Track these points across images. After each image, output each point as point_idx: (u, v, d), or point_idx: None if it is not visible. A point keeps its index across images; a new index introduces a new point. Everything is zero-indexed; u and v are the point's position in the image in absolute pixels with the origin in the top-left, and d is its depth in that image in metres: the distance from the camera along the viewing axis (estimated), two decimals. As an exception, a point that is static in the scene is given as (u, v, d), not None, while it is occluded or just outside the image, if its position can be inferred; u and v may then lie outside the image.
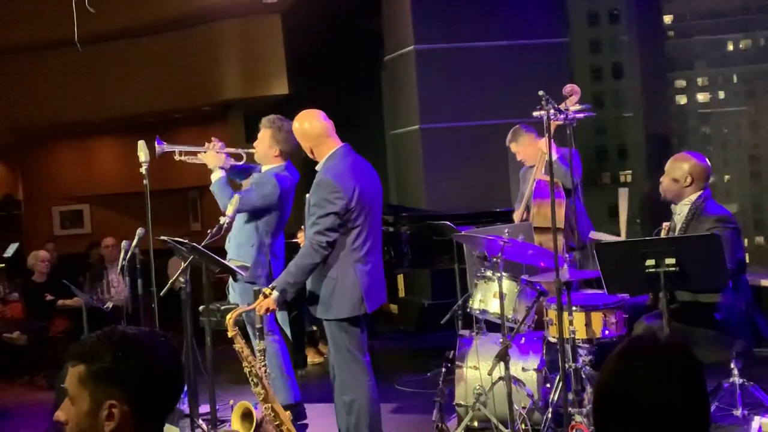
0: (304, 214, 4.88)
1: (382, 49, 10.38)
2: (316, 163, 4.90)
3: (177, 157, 5.87)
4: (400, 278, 9.88)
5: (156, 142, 5.75)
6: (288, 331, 7.24)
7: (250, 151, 5.92)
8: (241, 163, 6.01)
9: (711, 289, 4.73)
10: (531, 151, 6.40)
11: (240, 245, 5.77)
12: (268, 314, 5.27)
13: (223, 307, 7.31)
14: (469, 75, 9.35)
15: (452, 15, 9.41)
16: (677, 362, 1.83)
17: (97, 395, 1.93)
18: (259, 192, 5.66)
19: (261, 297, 4.69)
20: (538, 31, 9.46)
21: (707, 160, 5.14)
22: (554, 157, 5.85)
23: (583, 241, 6.18)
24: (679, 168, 5.03)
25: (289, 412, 4.68)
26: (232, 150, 6.01)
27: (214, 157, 5.79)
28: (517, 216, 6.54)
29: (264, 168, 5.85)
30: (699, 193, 5.00)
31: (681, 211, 5.01)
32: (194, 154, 5.88)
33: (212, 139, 5.91)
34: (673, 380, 1.80)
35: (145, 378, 1.93)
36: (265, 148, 5.75)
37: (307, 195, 4.84)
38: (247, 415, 4.54)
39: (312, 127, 4.86)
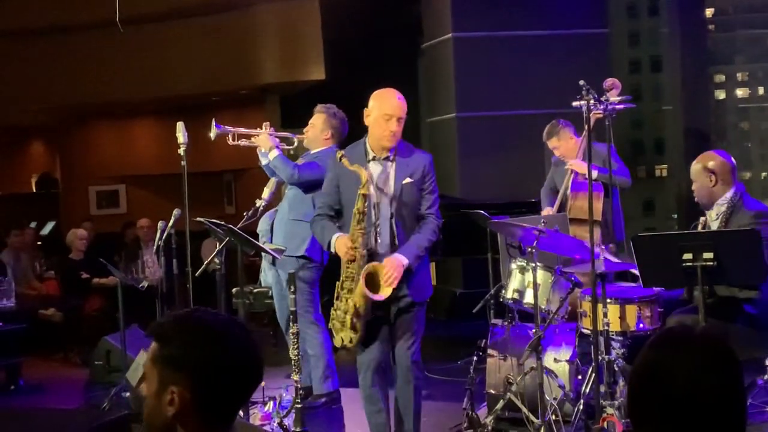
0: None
1: (420, 37, 10.36)
2: None
3: (231, 142, 5.98)
4: (432, 266, 9.87)
5: (214, 125, 5.87)
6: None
7: (300, 136, 6.04)
8: (290, 147, 6.14)
9: (748, 285, 4.68)
10: (572, 145, 6.36)
11: (297, 222, 5.82)
12: (314, 304, 5.34)
13: (255, 290, 7.40)
14: (507, 64, 9.32)
15: (491, 3, 9.38)
16: (712, 352, 1.81)
17: (163, 378, 1.91)
18: (324, 162, 5.76)
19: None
20: (578, 22, 9.41)
21: (729, 155, 5.06)
22: (595, 174, 5.84)
23: (618, 239, 6.16)
24: (699, 171, 4.98)
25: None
26: (283, 134, 6.13)
27: (266, 139, 5.91)
28: (546, 212, 6.53)
29: (314, 151, 5.96)
30: (732, 189, 4.93)
31: (719, 210, 4.94)
32: (248, 137, 5.99)
33: (265, 123, 6.04)
34: (707, 370, 1.78)
35: (211, 368, 1.90)
36: (318, 131, 5.93)
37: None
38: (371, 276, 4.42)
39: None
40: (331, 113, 5.92)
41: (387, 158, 4.56)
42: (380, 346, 4.62)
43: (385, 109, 4.52)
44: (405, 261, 4.43)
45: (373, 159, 4.57)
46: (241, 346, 1.95)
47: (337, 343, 4.61)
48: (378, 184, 4.53)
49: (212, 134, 5.91)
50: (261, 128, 6.02)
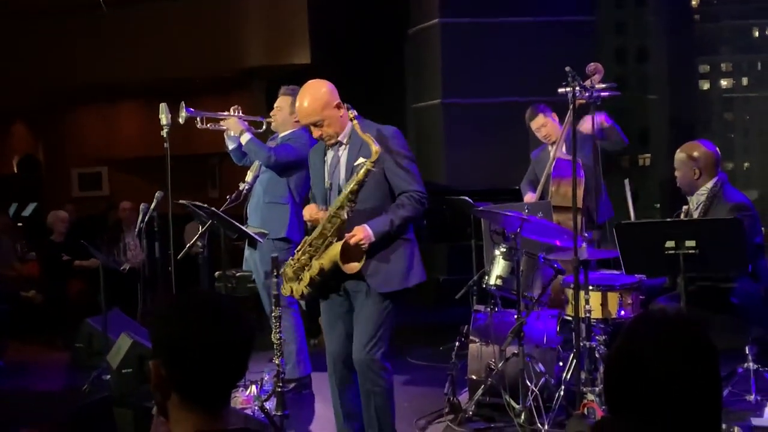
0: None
1: (406, 22, 10.33)
2: None
3: (200, 125, 5.93)
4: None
5: (185, 110, 5.80)
6: (302, 301, 7.27)
7: (269, 119, 6.00)
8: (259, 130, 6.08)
9: (730, 273, 4.70)
10: (556, 125, 6.37)
11: (273, 204, 5.81)
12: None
13: (238, 274, 7.37)
14: (493, 51, 9.30)
15: (479, -11, 9.36)
16: (686, 337, 1.81)
17: (153, 350, 1.97)
18: (298, 144, 5.76)
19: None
20: (565, 9, 9.40)
21: (715, 146, 5.06)
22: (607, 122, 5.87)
23: (600, 221, 6.17)
24: (683, 160, 4.98)
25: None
26: (252, 117, 6.09)
27: (236, 123, 5.85)
28: (527, 200, 6.54)
29: (282, 135, 5.93)
30: (713, 179, 4.94)
31: (698, 200, 4.97)
32: (217, 120, 5.94)
33: (234, 106, 5.99)
34: (681, 355, 1.78)
35: (175, 347, 1.91)
36: (286, 114, 5.89)
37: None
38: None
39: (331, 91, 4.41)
40: (297, 95, 5.85)
41: (339, 143, 4.39)
42: (343, 338, 4.41)
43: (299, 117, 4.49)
44: (369, 231, 4.19)
45: (330, 146, 4.42)
46: (215, 327, 1.91)
47: (286, 292, 4.48)
48: (330, 170, 4.41)
49: (181, 117, 5.84)
50: (231, 110, 5.97)
